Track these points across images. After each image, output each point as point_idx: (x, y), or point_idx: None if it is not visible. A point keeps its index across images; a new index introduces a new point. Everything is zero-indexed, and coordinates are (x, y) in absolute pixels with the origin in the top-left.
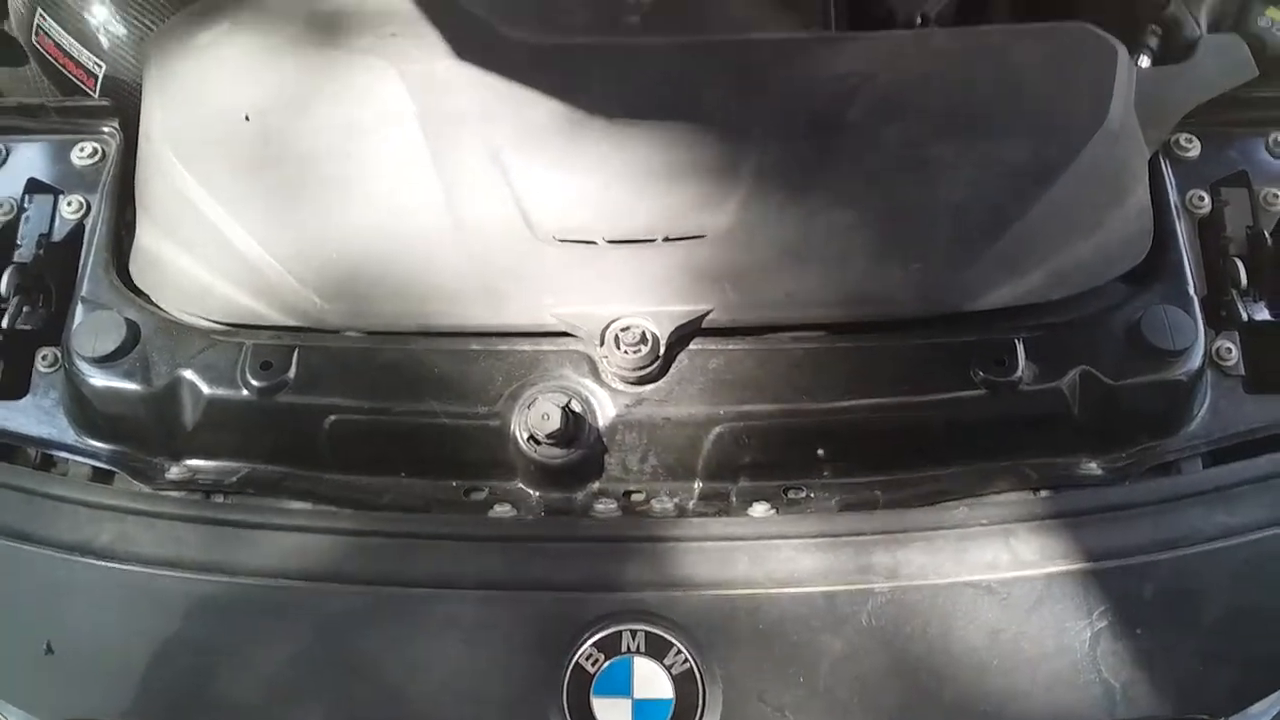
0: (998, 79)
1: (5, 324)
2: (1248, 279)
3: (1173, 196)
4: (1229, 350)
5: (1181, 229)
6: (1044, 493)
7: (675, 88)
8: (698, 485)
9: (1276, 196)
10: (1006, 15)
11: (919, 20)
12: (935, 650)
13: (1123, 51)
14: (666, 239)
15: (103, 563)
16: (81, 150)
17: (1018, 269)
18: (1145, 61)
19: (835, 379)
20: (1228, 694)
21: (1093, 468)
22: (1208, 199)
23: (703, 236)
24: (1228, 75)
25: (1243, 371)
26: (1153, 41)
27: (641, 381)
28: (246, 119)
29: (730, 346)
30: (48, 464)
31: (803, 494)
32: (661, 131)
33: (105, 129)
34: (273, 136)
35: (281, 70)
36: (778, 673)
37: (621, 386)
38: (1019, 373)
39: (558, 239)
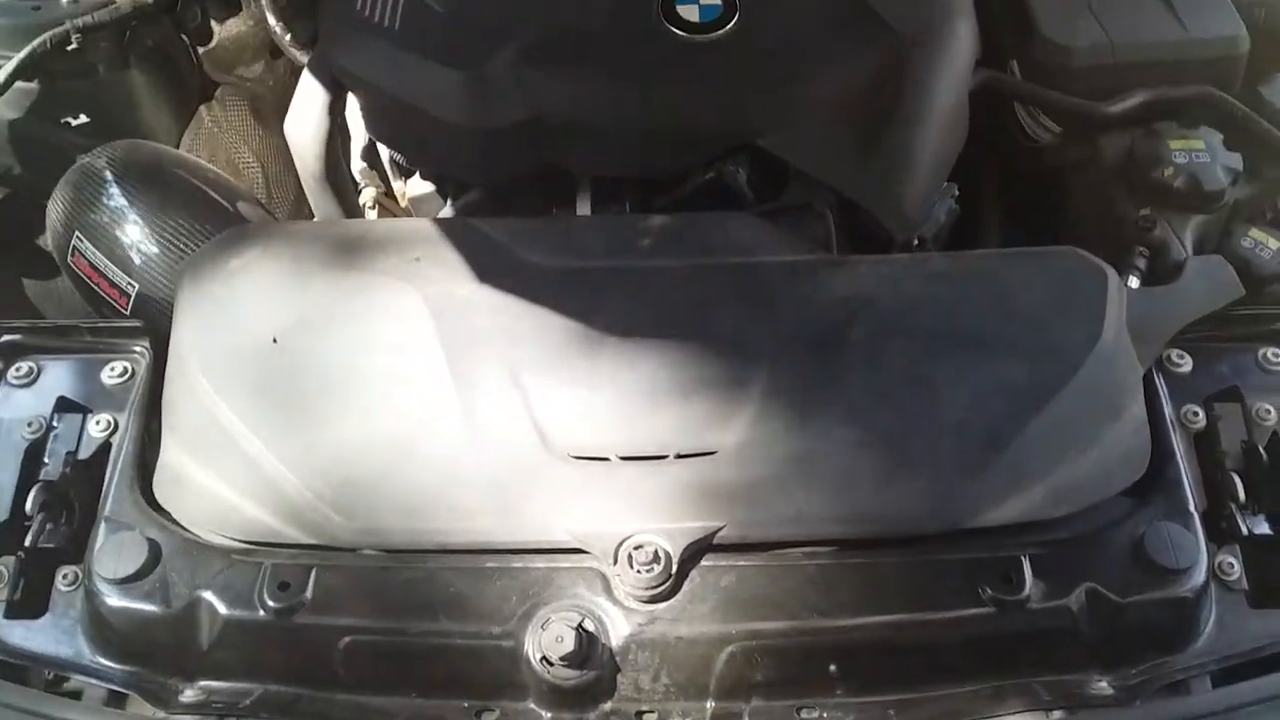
0: (994, 301)
1: (28, 541)
2: (1245, 493)
3: (1168, 412)
4: (1231, 565)
5: (1178, 444)
6: (1057, 714)
7: (686, 308)
8: (710, 705)
9: (1269, 411)
10: (997, 238)
11: (916, 242)
12: None
13: (1112, 274)
14: (679, 455)
15: None
16: (112, 369)
17: (1021, 486)
18: (1134, 282)
19: (846, 596)
20: None
21: (1104, 686)
22: (1202, 414)
23: (714, 453)
24: (1215, 295)
25: (1246, 586)
26: (1141, 263)
27: (654, 600)
28: (274, 341)
29: (742, 563)
30: (59, 683)
31: (816, 714)
32: (673, 350)
33: (136, 348)
34: (298, 358)
35: (308, 294)
36: None
37: (634, 605)
38: (1026, 590)
39: (572, 456)
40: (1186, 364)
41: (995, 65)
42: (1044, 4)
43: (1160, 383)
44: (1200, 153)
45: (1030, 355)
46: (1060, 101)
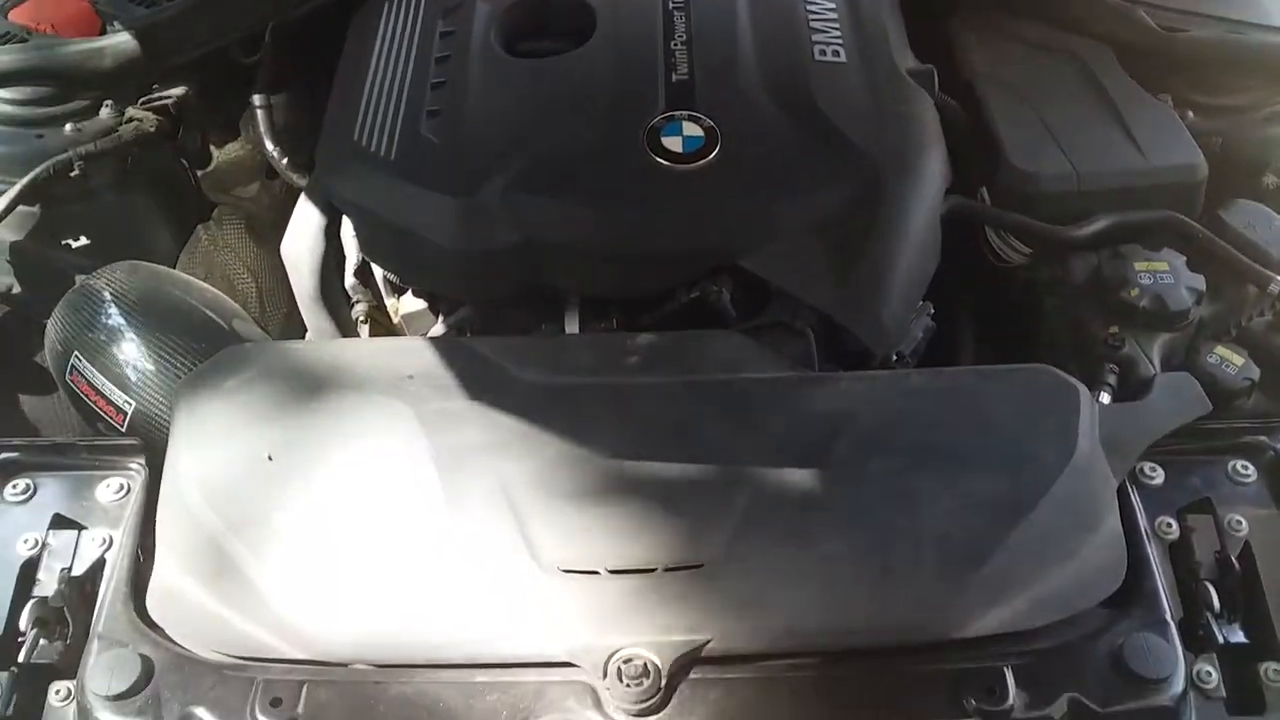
0: (972, 417)
1: (22, 657)
2: (1220, 602)
3: (1143, 523)
4: (1209, 674)
5: (1154, 554)
6: None
7: (673, 424)
8: None
9: (1240, 522)
10: (971, 354)
11: (894, 358)
12: None
13: (1084, 390)
14: (666, 569)
15: None
16: (108, 486)
17: (1003, 596)
18: (1105, 398)
19: (833, 708)
20: None
21: None
22: (1175, 525)
23: (701, 566)
24: (1183, 410)
25: (1224, 694)
26: (1111, 379)
27: (644, 714)
28: (270, 459)
29: (729, 675)
30: None
31: None
32: (660, 465)
33: (132, 465)
34: (292, 475)
35: (302, 413)
36: None
37: (625, 719)
38: (1010, 701)
39: (562, 569)
40: (1159, 476)
41: (966, 192)
42: (1011, 135)
43: (1134, 495)
44: (1164, 274)
45: (1008, 469)
46: (1028, 225)
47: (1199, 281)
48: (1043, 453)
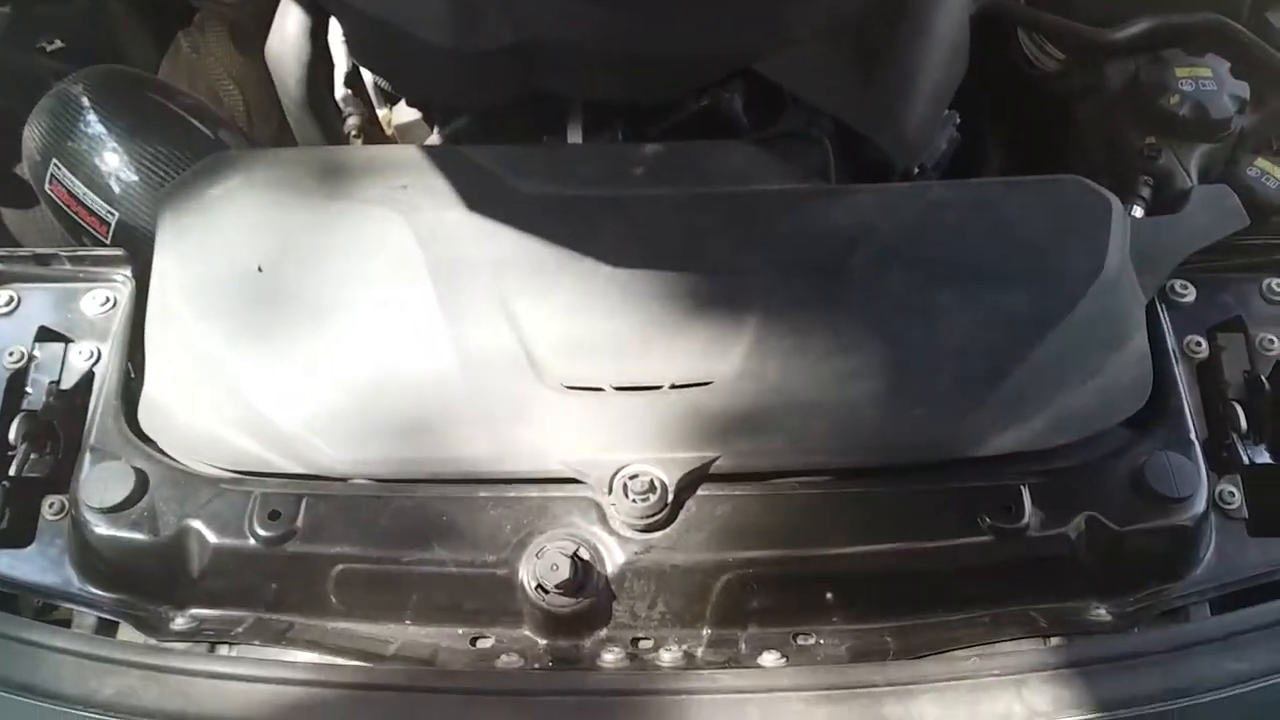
0: (997, 230)
1: (13, 471)
2: (1247, 423)
3: (1171, 342)
4: (1232, 494)
5: (1181, 374)
6: (1054, 641)
7: (681, 237)
8: (706, 632)
9: (1272, 341)
10: (998, 166)
11: (916, 171)
12: None
13: (1116, 203)
14: (674, 386)
15: (106, 717)
16: (94, 298)
17: (1020, 415)
18: (1138, 211)
19: (843, 525)
20: None
21: (1101, 613)
22: (1205, 344)
23: (709, 383)
24: (1219, 224)
25: (1246, 515)
26: (1145, 192)
27: (650, 529)
28: (259, 270)
29: (737, 492)
30: (49, 611)
31: (812, 640)
32: (667, 280)
33: (117, 277)
34: (283, 287)
35: (292, 222)
36: None
37: (630, 534)
38: (1025, 519)
39: (566, 386)
40: (1190, 294)
41: None
42: None
43: (1163, 313)
44: (1207, 80)
45: (1032, 284)
46: (1064, 27)
47: (1243, 89)
48: (1070, 267)
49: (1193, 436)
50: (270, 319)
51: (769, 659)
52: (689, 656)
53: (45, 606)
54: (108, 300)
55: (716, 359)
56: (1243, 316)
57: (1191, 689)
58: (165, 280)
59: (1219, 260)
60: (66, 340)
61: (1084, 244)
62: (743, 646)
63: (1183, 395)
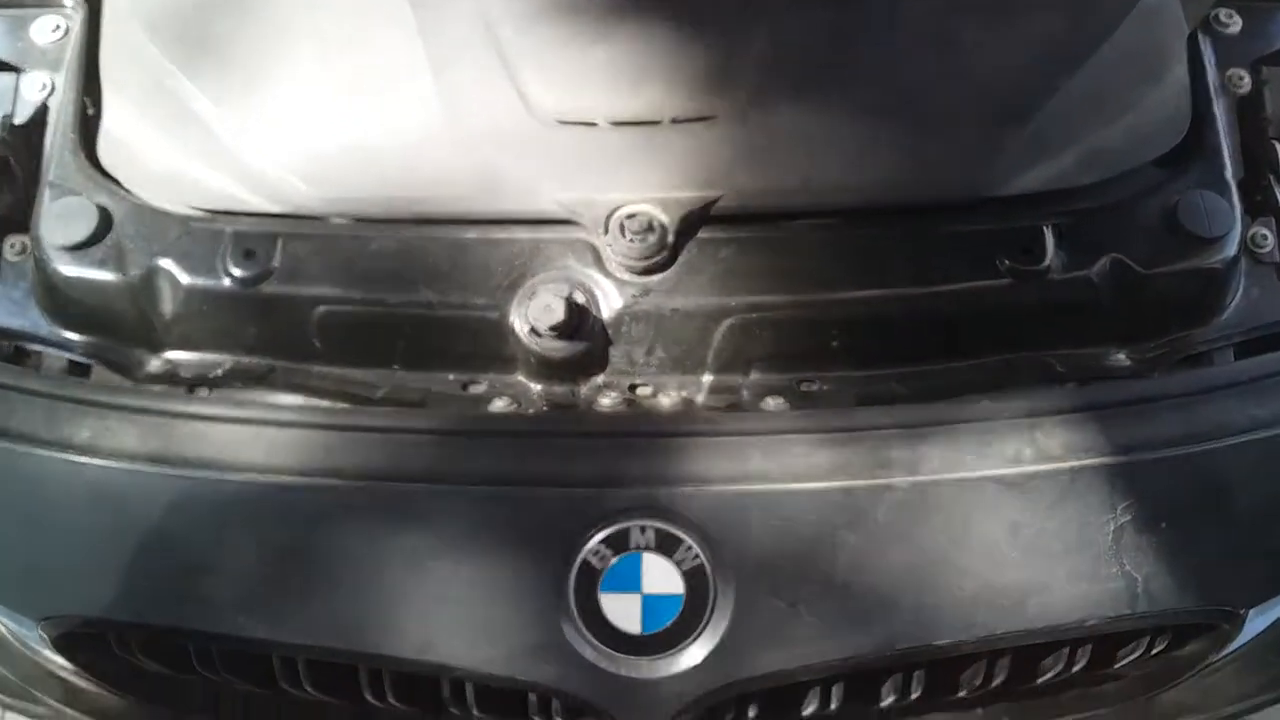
0: None
1: None
2: None
3: (1211, 76)
4: (1265, 237)
5: (1220, 110)
6: (1070, 386)
7: None
8: (706, 378)
9: None
10: None
11: None
12: (955, 545)
13: None
14: (674, 120)
15: (83, 459)
16: (43, 25)
17: (1047, 152)
18: None
19: (853, 268)
20: (1252, 587)
21: (1121, 359)
22: (1248, 78)
23: (713, 118)
24: None
25: (1278, 259)
26: None
27: (648, 271)
28: None
29: (742, 234)
30: (20, 357)
31: (816, 387)
32: (668, 4)
33: (66, 2)
34: (250, 12)
35: None
36: (792, 568)
37: (627, 276)
38: (1047, 261)
39: (558, 120)
40: (1235, 24)
41: None
42: None
43: (1205, 43)
44: None
45: (1064, 11)
46: None
47: None
48: None
49: (1228, 176)
50: (237, 46)
51: (771, 404)
52: (688, 403)
53: (16, 351)
54: (59, 27)
55: (721, 92)
56: None
57: (1212, 434)
58: (120, 4)
59: None
60: (17, 71)
61: None
62: (744, 393)
63: (1220, 132)
